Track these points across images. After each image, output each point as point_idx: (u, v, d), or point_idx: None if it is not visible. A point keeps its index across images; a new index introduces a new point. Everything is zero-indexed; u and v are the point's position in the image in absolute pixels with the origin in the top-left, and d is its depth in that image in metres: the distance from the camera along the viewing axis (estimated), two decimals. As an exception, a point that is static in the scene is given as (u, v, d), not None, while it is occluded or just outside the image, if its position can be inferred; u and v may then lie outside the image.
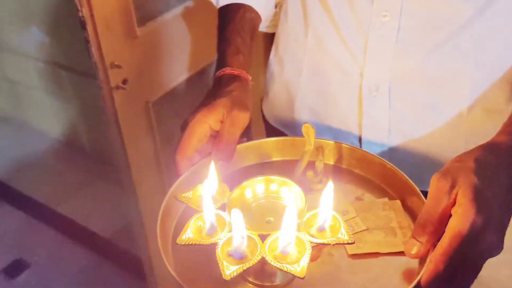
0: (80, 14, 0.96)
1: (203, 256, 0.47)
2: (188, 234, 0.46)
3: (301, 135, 0.57)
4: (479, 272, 0.43)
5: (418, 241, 0.45)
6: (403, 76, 0.64)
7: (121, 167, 1.17)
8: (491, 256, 0.43)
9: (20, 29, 1.85)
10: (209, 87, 0.63)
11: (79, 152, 2.05)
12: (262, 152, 0.61)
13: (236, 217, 0.42)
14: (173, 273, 0.44)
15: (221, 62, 0.64)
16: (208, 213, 0.46)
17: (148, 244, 1.30)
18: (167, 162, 1.25)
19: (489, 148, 0.48)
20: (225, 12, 0.70)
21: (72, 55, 1.73)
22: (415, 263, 0.47)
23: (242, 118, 0.56)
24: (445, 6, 0.59)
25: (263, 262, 0.43)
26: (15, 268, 1.65)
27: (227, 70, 0.62)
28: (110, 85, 1.04)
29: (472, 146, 0.49)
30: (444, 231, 0.43)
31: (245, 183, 0.50)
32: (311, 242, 0.44)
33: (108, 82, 1.04)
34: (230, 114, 0.55)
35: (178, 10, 1.13)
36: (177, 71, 1.20)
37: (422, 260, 0.46)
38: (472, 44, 0.61)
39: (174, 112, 1.27)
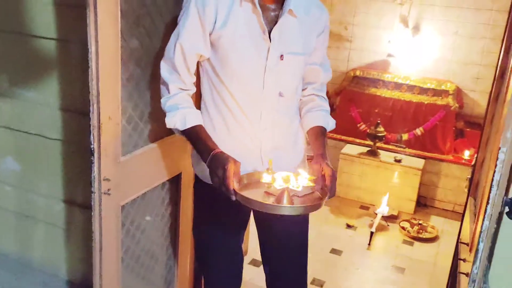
0: (91, 147, 1.57)
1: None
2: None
3: None
4: None
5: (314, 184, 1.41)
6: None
7: (95, 253, 1.68)
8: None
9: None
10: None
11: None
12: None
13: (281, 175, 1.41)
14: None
15: (208, 148, 1.47)
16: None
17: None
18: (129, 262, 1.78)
19: (321, 155, 1.47)
20: (192, 129, 1.52)
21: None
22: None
23: (239, 165, 1.42)
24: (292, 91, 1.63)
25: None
26: None
27: (217, 150, 1.45)
28: (101, 191, 1.62)
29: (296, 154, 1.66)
30: (324, 178, 1.41)
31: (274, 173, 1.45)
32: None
33: (100, 189, 1.62)
34: (236, 163, 1.39)
35: (145, 149, 1.79)
36: (142, 185, 1.81)
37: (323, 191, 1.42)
38: (296, 108, 1.65)
39: (141, 213, 1.85)
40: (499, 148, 1.13)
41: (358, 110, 4.43)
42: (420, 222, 3.66)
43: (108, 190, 1.65)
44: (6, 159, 2.32)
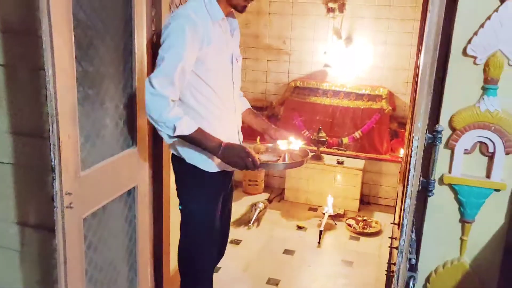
0: (52, 164, 1.67)
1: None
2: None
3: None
4: None
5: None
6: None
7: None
8: None
9: None
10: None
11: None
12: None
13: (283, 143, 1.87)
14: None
15: (217, 143, 1.86)
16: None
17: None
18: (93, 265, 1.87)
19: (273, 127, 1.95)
20: (196, 132, 1.83)
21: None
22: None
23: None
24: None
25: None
26: None
27: (224, 142, 1.87)
28: (63, 205, 1.71)
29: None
30: None
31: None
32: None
33: (62, 203, 1.71)
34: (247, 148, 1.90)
35: (103, 163, 1.90)
36: (102, 197, 1.92)
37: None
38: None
39: (102, 225, 1.95)
40: (413, 137, 1.35)
41: (301, 118, 4.68)
42: (365, 218, 3.92)
43: (70, 204, 1.74)
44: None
